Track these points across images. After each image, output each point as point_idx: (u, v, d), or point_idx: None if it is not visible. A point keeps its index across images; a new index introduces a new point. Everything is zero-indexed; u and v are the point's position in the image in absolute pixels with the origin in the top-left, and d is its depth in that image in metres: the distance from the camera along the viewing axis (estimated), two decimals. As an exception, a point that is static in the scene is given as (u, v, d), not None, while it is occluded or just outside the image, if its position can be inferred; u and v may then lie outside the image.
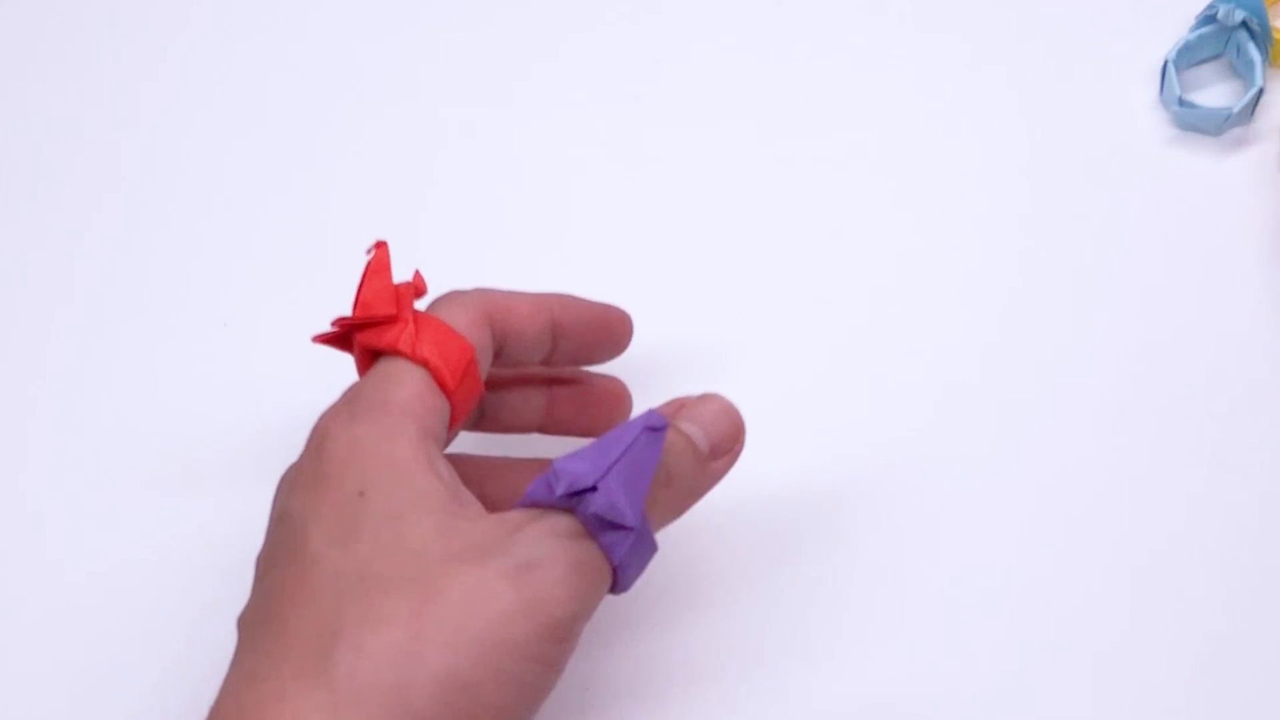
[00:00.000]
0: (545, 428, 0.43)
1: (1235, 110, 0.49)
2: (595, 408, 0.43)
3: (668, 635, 0.42)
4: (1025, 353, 0.46)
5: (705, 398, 0.38)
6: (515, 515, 0.35)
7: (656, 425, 0.35)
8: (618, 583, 0.35)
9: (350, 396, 0.37)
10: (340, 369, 0.44)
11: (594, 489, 0.34)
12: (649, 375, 0.45)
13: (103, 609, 0.44)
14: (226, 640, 0.35)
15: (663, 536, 0.36)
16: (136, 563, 0.45)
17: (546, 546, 0.34)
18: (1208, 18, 0.51)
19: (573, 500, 0.34)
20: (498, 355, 0.40)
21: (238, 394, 0.48)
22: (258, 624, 0.34)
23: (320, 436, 0.37)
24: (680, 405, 0.39)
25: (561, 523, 0.34)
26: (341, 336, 0.39)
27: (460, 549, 0.34)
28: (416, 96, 0.54)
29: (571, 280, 0.42)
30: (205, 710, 0.34)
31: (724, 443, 0.38)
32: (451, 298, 0.39)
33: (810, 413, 0.46)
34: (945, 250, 0.48)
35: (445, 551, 0.34)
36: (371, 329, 0.38)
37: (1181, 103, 0.49)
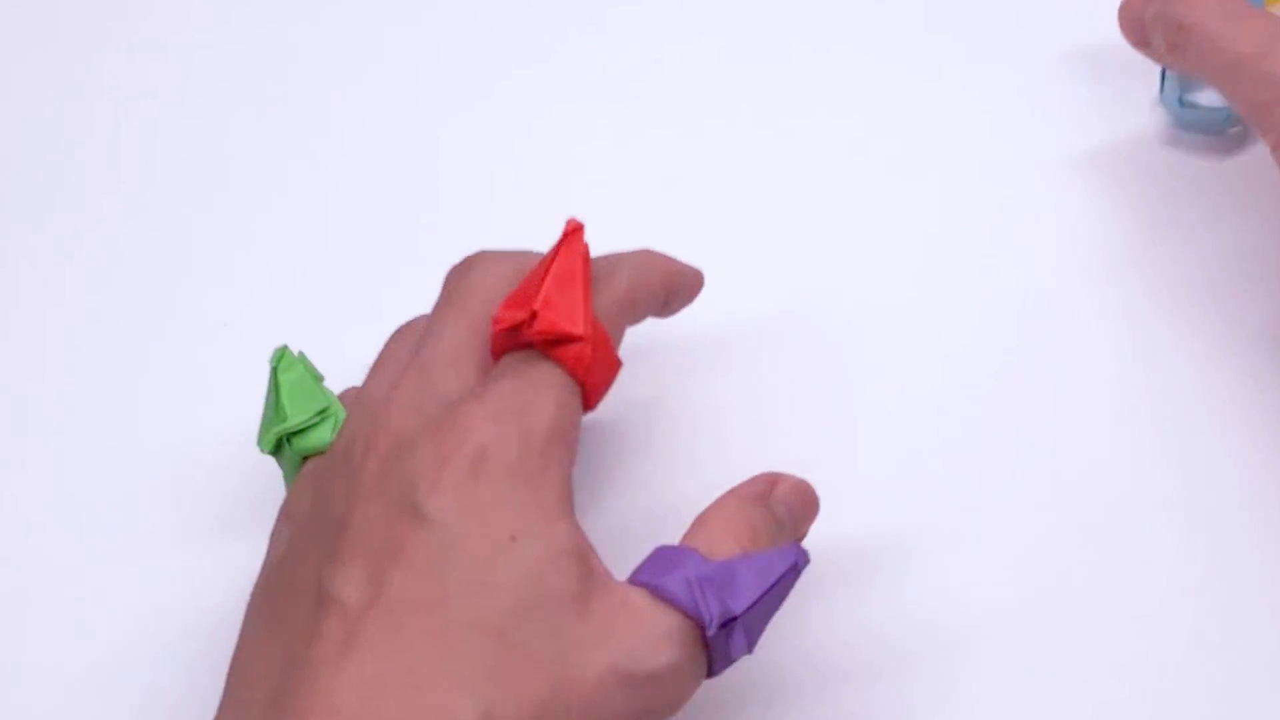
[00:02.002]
0: None
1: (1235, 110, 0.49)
2: None
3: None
4: (1025, 353, 0.46)
5: (794, 484, 0.38)
6: (640, 601, 0.34)
7: (802, 563, 0.36)
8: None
9: (500, 404, 0.35)
10: (341, 370, 0.44)
11: (735, 617, 0.34)
12: (658, 372, 0.46)
13: (102, 610, 0.44)
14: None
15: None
16: (137, 563, 0.44)
17: (670, 656, 0.34)
18: (1208, 17, 0.51)
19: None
20: None
21: (237, 394, 0.48)
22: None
23: (466, 439, 0.34)
24: (771, 484, 0.38)
25: (688, 631, 0.34)
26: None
27: (586, 636, 0.33)
28: (417, 95, 0.54)
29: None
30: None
31: (800, 528, 0.38)
32: (608, 286, 0.38)
33: (812, 409, 0.46)
34: (945, 250, 0.48)
35: (576, 635, 0.33)
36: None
37: (1182, 103, 0.49)
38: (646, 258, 0.40)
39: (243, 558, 0.44)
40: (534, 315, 0.35)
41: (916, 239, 0.49)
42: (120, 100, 0.54)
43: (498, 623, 0.32)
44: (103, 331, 0.49)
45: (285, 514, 0.38)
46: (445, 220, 0.51)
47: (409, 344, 0.39)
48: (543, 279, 0.36)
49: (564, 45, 0.54)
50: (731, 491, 0.38)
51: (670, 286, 0.40)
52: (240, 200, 0.52)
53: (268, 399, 0.40)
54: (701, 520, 0.37)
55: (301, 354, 0.40)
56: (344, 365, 0.43)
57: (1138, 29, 0.46)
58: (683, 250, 0.49)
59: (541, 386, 0.35)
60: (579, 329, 0.35)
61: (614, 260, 0.39)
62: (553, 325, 0.35)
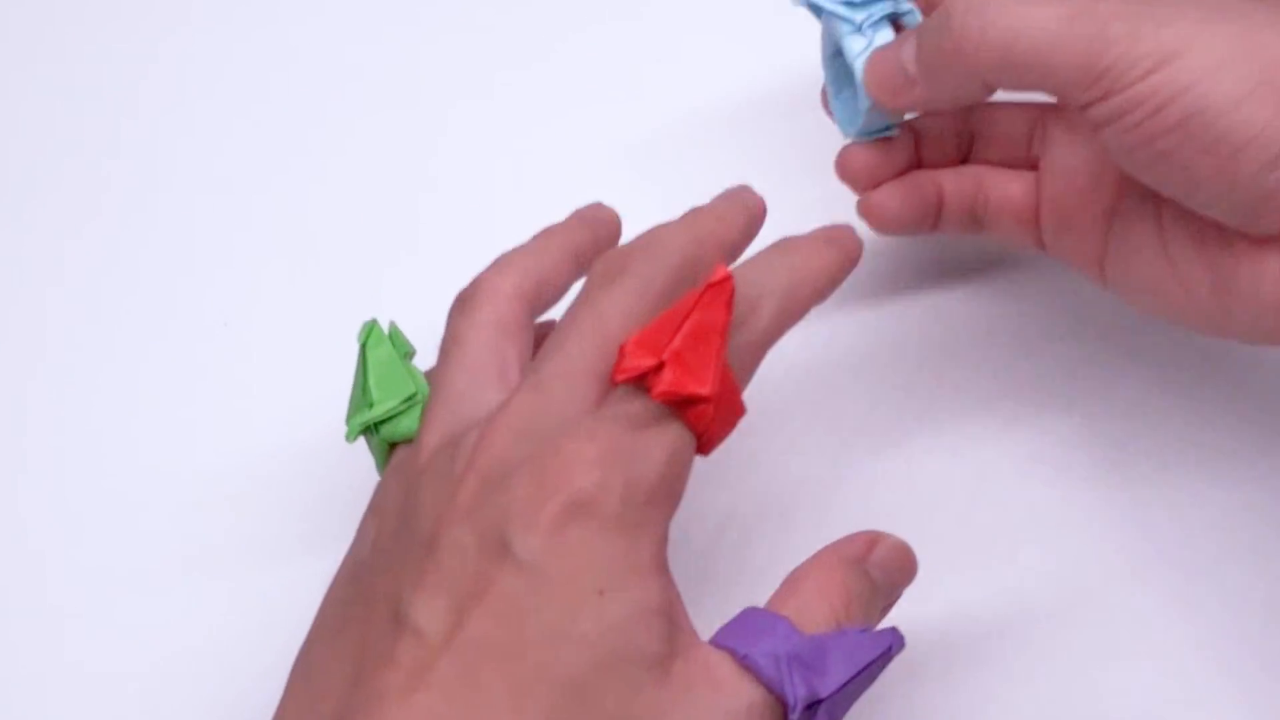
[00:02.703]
0: None
1: None
2: None
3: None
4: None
5: (894, 546, 0.37)
6: (724, 670, 0.33)
7: (896, 649, 0.34)
8: None
9: (610, 446, 0.33)
10: (339, 370, 0.44)
11: (820, 700, 0.33)
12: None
13: (99, 610, 0.44)
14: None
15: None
16: (136, 564, 0.44)
17: None
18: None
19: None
20: None
21: (237, 394, 0.47)
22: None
23: (569, 481, 0.32)
24: (870, 544, 0.36)
25: (770, 708, 0.33)
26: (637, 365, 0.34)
27: (664, 700, 0.32)
28: (417, 95, 0.54)
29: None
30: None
31: (895, 594, 0.37)
32: (750, 324, 0.35)
33: (825, 407, 0.46)
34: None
35: (653, 699, 0.32)
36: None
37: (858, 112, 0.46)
38: (801, 271, 0.37)
39: (241, 556, 0.44)
40: (661, 366, 0.33)
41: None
42: (119, 100, 0.54)
43: (574, 677, 0.31)
44: (102, 331, 0.49)
45: (374, 508, 0.36)
46: (445, 220, 0.51)
47: (511, 309, 0.37)
48: (679, 326, 0.33)
49: (564, 44, 0.54)
50: (831, 550, 0.36)
51: (821, 296, 0.38)
52: (240, 200, 0.52)
53: (356, 378, 0.38)
54: (796, 582, 0.35)
55: (393, 325, 0.38)
56: (344, 365, 0.42)
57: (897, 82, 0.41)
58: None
59: (656, 434, 0.33)
60: (706, 389, 0.33)
61: (762, 283, 0.36)
62: (679, 386, 0.33)
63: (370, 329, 0.38)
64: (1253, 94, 0.35)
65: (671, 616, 0.33)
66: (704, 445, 0.35)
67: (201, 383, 0.48)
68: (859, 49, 0.41)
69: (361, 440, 0.38)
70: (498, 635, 0.31)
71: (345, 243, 0.50)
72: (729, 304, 0.34)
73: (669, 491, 0.33)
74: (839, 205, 0.44)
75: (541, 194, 0.51)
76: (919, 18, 0.42)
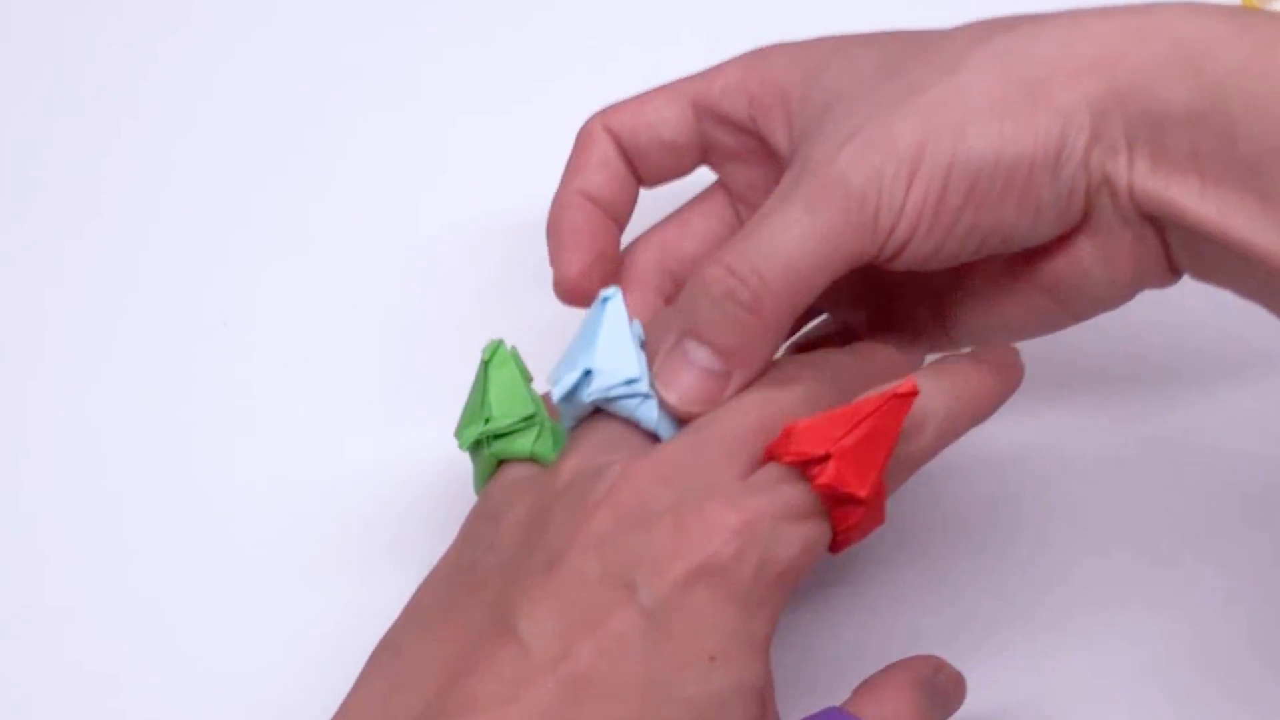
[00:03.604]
0: None
1: None
2: None
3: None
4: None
5: (956, 679, 0.37)
6: None
7: None
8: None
9: (753, 521, 0.33)
10: (341, 370, 0.44)
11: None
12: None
13: (99, 610, 0.44)
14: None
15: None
16: (135, 564, 0.44)
17: None
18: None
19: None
20: None
21: (238, 394, 0.47)
22: None
23: (706, 543, 0.33)
24: (936, 669, 0.37)
25: None
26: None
27: None
28: (417, 95, 0.54)
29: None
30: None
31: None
32: (912, 441, 0.35)
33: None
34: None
35: None
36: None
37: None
38: (967, 399, 0.37)
39: (241, 556, 0.44)
40: (828, 459, 0.33)
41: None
42: (119, 100, 0.54)
43: None
44: (102, 330, 0.49)
45: (489, 514, 0.36)
46: (446, 220, 0.51)
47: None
48: (855, 425, 0.34)
49: (566, 45, 0.54)
50: (903, 669, 0.36)
51: (979, 423, 0.38)
52: (240, 200, 0.52)
53: (473, 392, 0.38)
54: (874, 691, 0.36)
55: (514, 350, 0.38)
56: (345, 365, 0.42)
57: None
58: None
59: (799, 521, 0.34)
60: (864, 493, 0.34)
61: (929, 403, 0.36)
62: (841, 483, 0.33)
63: (496, 348, 0.38)
64: (999, 127, 0.35)
65: (764, 701, 0.33)
66: (837, 545, 0.35)
67: (201, 383, 0.48)
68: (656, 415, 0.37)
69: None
70: (603, 671, 0.31)
71: (345, 243, 0.50)
72: (905, 413, 0.34)
73: (795, 578, 0.34)
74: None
75: (545, 194, 0.51)
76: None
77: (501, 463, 0.37)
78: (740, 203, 0.41)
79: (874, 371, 0.37)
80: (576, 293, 0.39)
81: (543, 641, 0.32)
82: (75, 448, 0.47)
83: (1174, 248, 0.36)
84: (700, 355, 0.36)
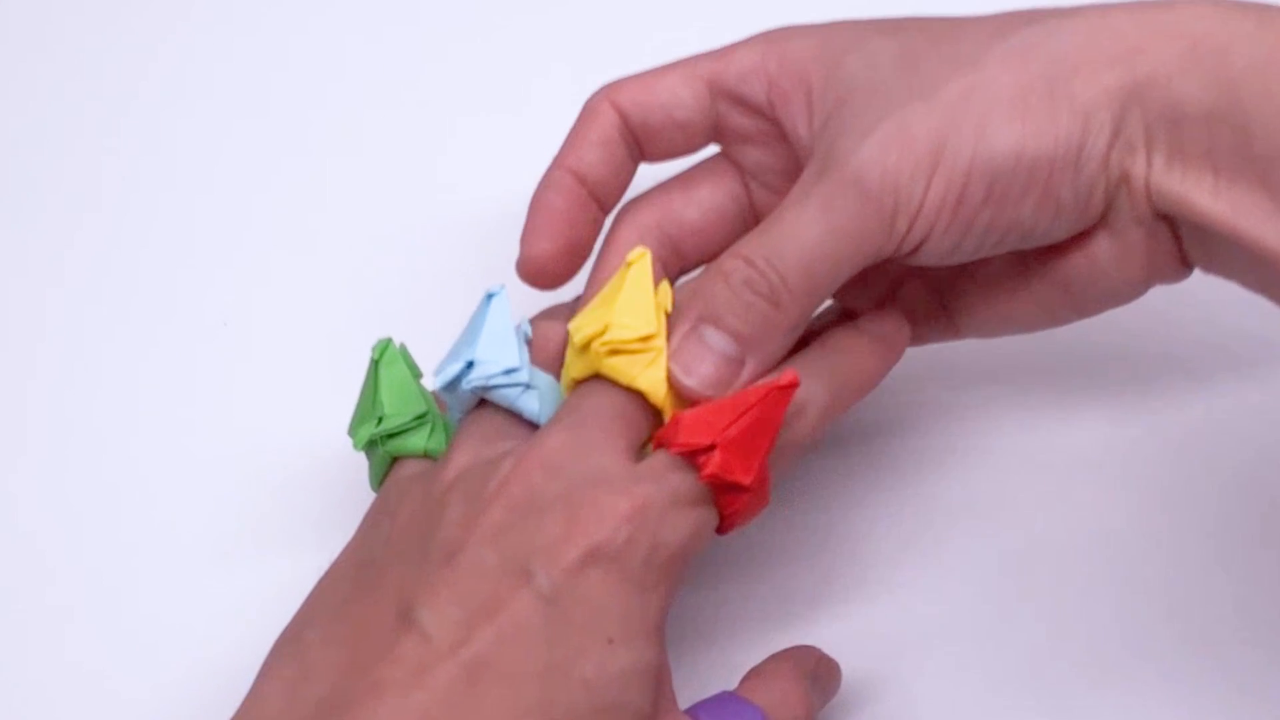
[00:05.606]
0: None
1: None
2: None
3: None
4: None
5: (833, 668, 0.39)
6: None
7: None
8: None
9: (643, 507, 0.34)
10: (341, 371, 0.44)
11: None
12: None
13: (98, 609, 0.44)
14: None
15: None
16: (134, 563, 0.44)
17: None
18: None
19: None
20: None
21: (238, 394, 0.47)
22: None
23: (598, 528, 0.34)
24: (817, 660, 0.39)
25: None
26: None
27: None
28: (417, 95, 0.54)
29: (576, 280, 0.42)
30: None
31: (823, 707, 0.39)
32: (795, 426, 0.36)
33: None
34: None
35: None
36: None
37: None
38: (846, 375, 0.38)
39: (240, 556, 0.44)
40: (713, 449, 0.34)
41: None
42: (119, 100, 0.54)
43: (568, 717, 0.32)
44: (102, 330, 0.49)
45: (385, 510, 0.37)
46: (446, 220, 0.51)
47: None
48: (739, 416, 0.35)
49: (568, 46, 0.54)
50: (791, 659, 0.38)
51: (862, 396, 0.39)
52: (240, 200, 0.52)
53: (364, 392, 0.39)
54: (765, 678, 0.37)
55: (403, 347, 0.39)
56: (345, 364, 0.42)
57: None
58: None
59: (687, 508, 0.35)
60: (748, 480, 0.35)
61: (809, 387, 0.36)
62: (726, 473, 0.35)
63: (385, 346, 0.39)
64: (1020, 125, 0.35)
65: (661, 681, 0.34)
66: (724, 527, 0.36)
67: (201, 383, 0.48)
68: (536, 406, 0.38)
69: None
70: (503, 656, 0.32)
71: (345, 242, 0.50)
72: (786, 406, 0.35)
73: (685, 560, 0.35)
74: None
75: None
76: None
77: (396, 459, 0.38)
78: (752, 179, 0.41)
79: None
80: (535, 276, 0.40)
81: (444, 630, 0.32)
82: (75, 447, 0.47)
83: (1187, 243, 0.37)
84: (717, 340, 0.36)
